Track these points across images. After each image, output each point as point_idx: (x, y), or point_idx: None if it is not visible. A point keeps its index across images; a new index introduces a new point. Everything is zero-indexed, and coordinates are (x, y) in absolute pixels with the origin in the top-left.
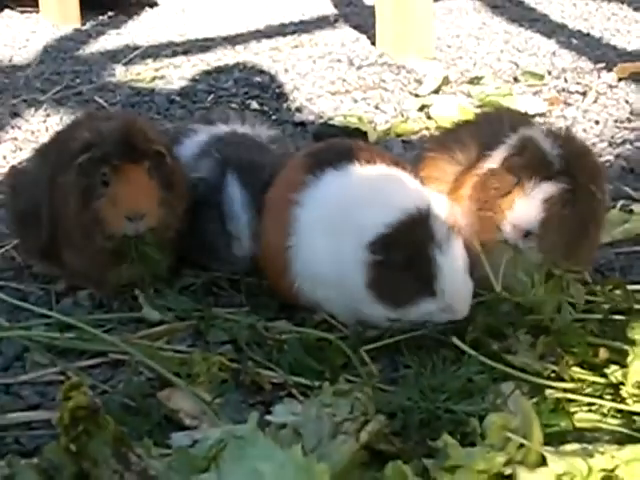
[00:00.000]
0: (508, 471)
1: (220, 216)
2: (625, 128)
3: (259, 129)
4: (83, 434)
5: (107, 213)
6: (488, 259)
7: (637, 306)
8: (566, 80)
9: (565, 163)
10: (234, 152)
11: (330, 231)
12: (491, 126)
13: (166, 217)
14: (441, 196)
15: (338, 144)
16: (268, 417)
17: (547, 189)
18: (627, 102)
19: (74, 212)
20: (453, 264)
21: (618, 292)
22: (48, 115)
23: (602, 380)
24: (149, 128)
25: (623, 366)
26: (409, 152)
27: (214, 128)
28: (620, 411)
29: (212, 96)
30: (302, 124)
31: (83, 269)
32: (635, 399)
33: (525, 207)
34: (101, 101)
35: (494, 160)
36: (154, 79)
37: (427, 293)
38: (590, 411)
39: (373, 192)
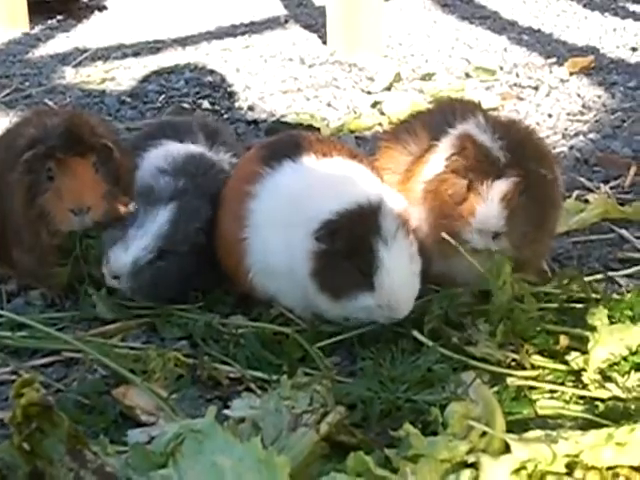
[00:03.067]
0: (471, 459)
1: None
2: (578, 121)
3: (223, 156)
4: (37, 432)
5: (52, 208)
6: (457, 262)
7: (594, 295)
8: (518, 75)
9: (510, 154)
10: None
11: (281, 223)
12: (443, 116)
13: (112, 211)
14: (397, 194)
15: (295, 136)
16: (226, 411)
17: (501, 187)
18: (579, 96)
19: (21, 209)
20: (396, 261)
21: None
22: None
23: (563, 367)
24: (96, 122)
25: (584, 353)
26: (363, 148)
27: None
28: (582, 397)
29: (163, 96)
30: (254, 122)
31: (32, 267)
32: (597, 385)
33: (486, 211)
34: (51, 103)
35: (438, 158)
36: (104, 81)
37: (365, 287)
38: (552, 398)
39: (324, 183)
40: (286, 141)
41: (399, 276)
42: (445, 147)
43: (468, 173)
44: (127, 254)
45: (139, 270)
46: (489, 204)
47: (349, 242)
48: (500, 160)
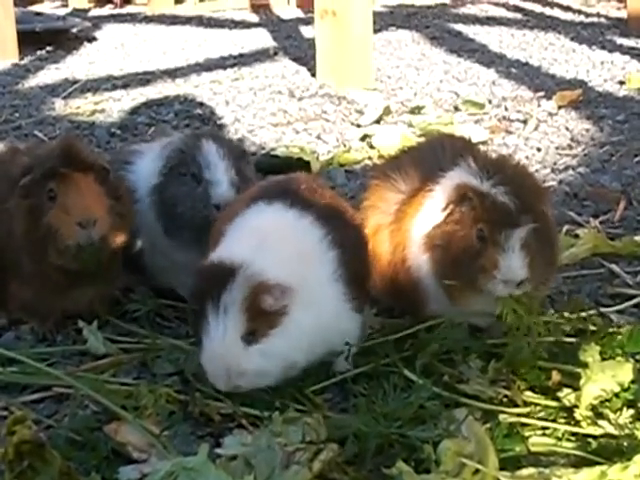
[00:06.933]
0: None
1: None
2: (567, 155)
3: None
4: (28, 469)
5: (58, 223)
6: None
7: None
8: (506, 108)
9: (515, 197)
10: None
11: None
12: (434, 154)
13: (116, 225)
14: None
15: (289, 180)
16: (218, 450)
17: (519, 235)
18: (567, 129)
19: (23, 233)
20: (219, 336)
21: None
22: None
23: (555, 404)
24: (86, 147)
25: (576, 389)
26: (352, 181)
27: None
28: (575, 434)
29: (153, 128)
30: None
31: (30, 300)
32: (589, 422)
33: (510, 262)
34: (41, 135)
35: (434, 205)
36: (94, 112)
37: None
38: (544, 435)
39: (257, 231)
40: (278, 183)
41: (210, 348)
42: (442, 196)
43: (477, 223)
44: None
45: None
46: (511, 254)
47: (198, 294)
48: (509, 206)
